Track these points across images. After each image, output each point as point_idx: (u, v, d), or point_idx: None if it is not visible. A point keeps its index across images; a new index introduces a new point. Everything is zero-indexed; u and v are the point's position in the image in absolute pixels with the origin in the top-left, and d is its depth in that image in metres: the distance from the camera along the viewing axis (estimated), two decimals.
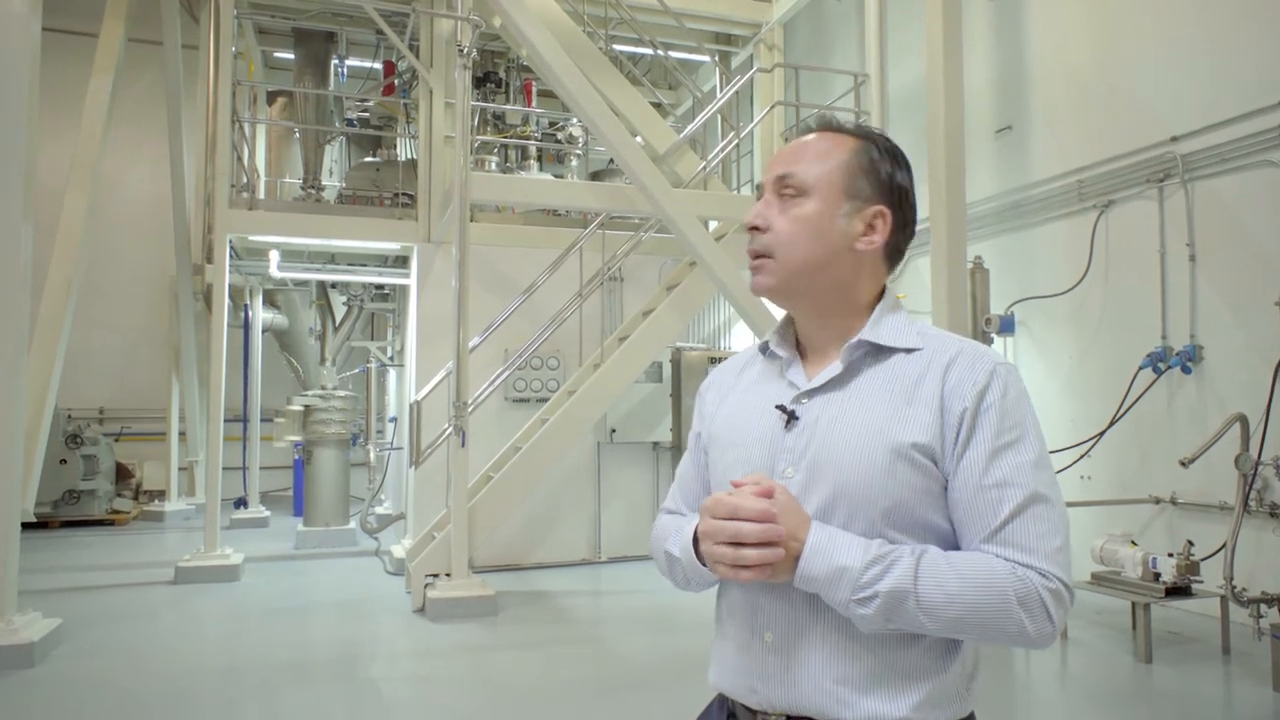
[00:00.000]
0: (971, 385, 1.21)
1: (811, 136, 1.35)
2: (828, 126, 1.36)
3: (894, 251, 1.34)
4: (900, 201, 1.33)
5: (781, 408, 1.30)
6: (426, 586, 6.21)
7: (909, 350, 1.28)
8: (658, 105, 9.32)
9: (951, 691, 1.23)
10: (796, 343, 1.39)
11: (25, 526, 5.34)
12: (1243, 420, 5.06)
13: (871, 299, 1.33)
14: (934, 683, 1.21)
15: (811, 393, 1.30)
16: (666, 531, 1.42)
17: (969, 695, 1.26)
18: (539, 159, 10.16)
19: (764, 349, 1.43)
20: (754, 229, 1.32)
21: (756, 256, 1.32)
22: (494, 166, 9.28)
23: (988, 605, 1.13)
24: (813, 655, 1.23)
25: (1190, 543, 5.10)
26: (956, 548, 1.21)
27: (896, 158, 1.34)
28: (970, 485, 1.19)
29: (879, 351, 1.29)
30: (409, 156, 9.80)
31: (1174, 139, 6.00)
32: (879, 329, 1.29)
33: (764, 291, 1.33)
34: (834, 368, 1.29)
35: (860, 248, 1.31)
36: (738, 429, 1.37)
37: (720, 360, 8.44)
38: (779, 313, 1.45)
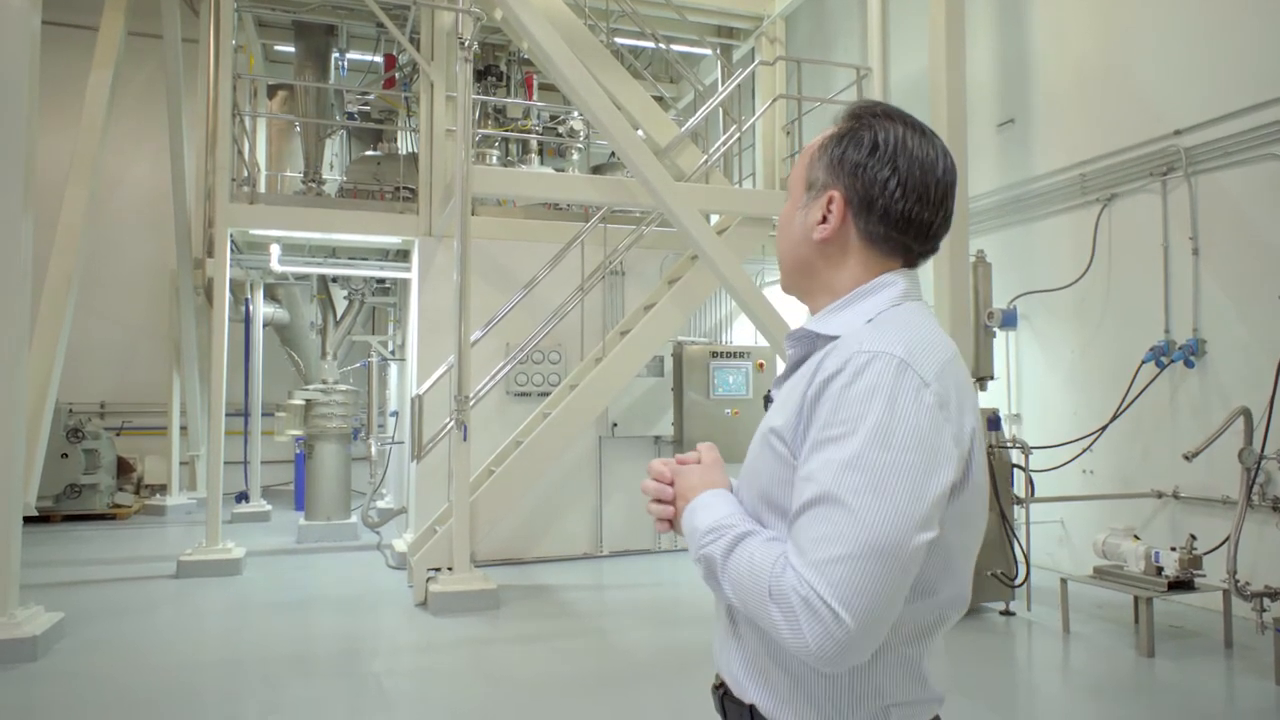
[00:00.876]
0: (822, 373, 1.15)
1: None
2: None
3: (875, 235, 1.26)
4: (854, 181, 1.24)
5: (766, 395, 1.40)
6: (428, 580, 6.21)
7: (832, 337, 1.23)
8: (659, 99, 9.29)
9: (835, 708, 1.18)
10: None
11: (26, 520, 5.35)
12: (1246, 414, 5.06)
13: (826, 286, 1.31)
14: (809, 689, 1.19)
15: (778, 381, 1.36)
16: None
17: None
18: (540, 153, 10.14)
19: None
20: None
21: None
22: (495, 160, 9.27)
23: (752, 593, 1.10)
24: (721, 629, 1.33)
25: (1193, 536, 5.09)
26: None
27: (855, 135, 1.26)
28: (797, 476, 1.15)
29: (828, 340, 1.24)
30: (410, 150, 9.78)
31: (1177, 132, 5.98)
32: (823, 316, 1.28)
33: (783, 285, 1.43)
34: (790, 356, 1.34)
35: (815, 237, 1.28)
36: None
37: (721, 354, 8.45)
38: (782, 307, 1.49)
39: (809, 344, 1.27)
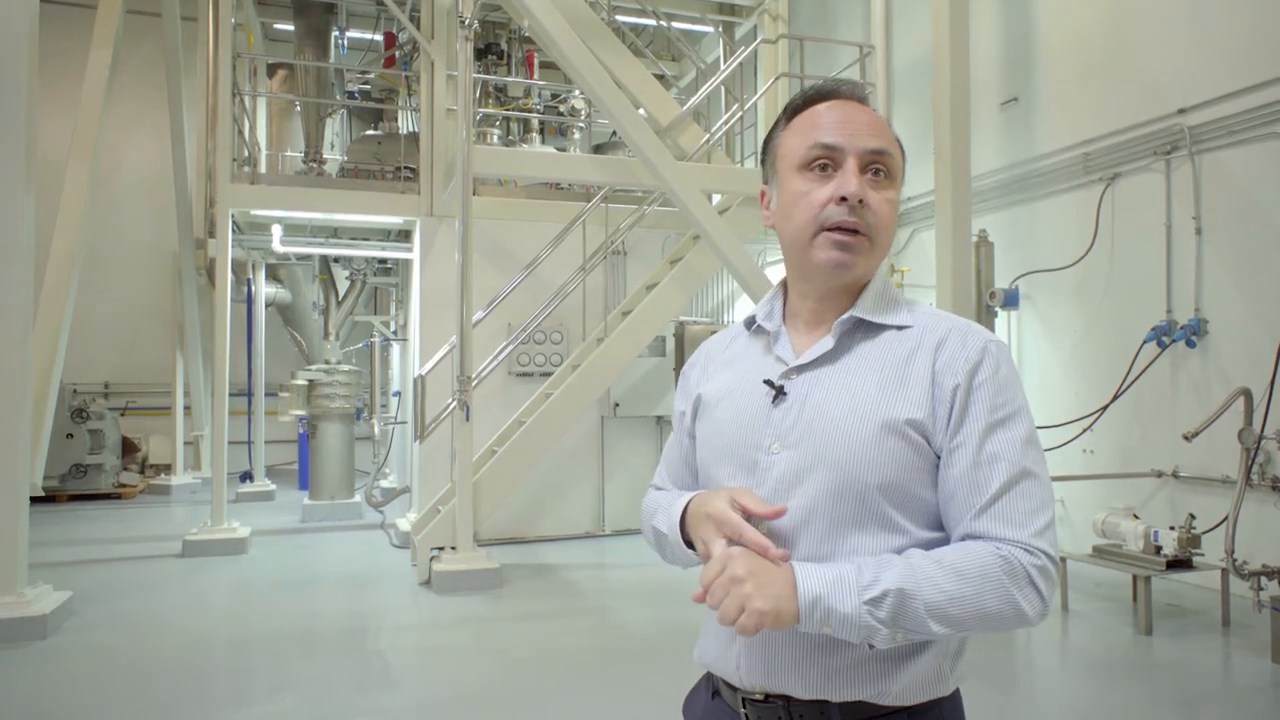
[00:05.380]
0: (964, 362, 1.20)
1: (869, 110, 1.30)
2: (865, 100, 1.32)
3: None
4: None
5: (769, 383, 1.28)
6: (432, 560, 6.26)
7: (900, 327, 1.27)
8: (660, 77, 9.24)
9: (932, 672, 1.22)
10: (783, 316, 1.37)
11: (33, 501, 5.38)
12: (1246, 394, 5.07)
13: (867, 277, 1.32)
14: (914, 665, 1.20)
15: (801, 368, 1.28)
16: (655, 507, 1.41)
17: (951, 675, 1.25)
18: (541, 131, 10.10)
19: (750, 324, 1.41)
20: (859, 202, 1.22)
21: (854, 233, 1.23)
22: (496, 139, 9.23)
23: (986, 596, 1.11)
24: (795, 636, 1.20)
25: (1192, 516, 5.12)
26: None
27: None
28: (964, 460, 1.18)
29: (870, 328, 1.28)
30: (411, 129, 9.75)
31: (1181, 111, 5.94)
32: (871, 306, 1.28)
33: (848, 269, 1.25)
34: (824, 344, 1.27)
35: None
36: (722, 406, 1.35)
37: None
38: None
39: (845, 328, 1.28)
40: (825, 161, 1.25)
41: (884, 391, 1.22)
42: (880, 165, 1.25)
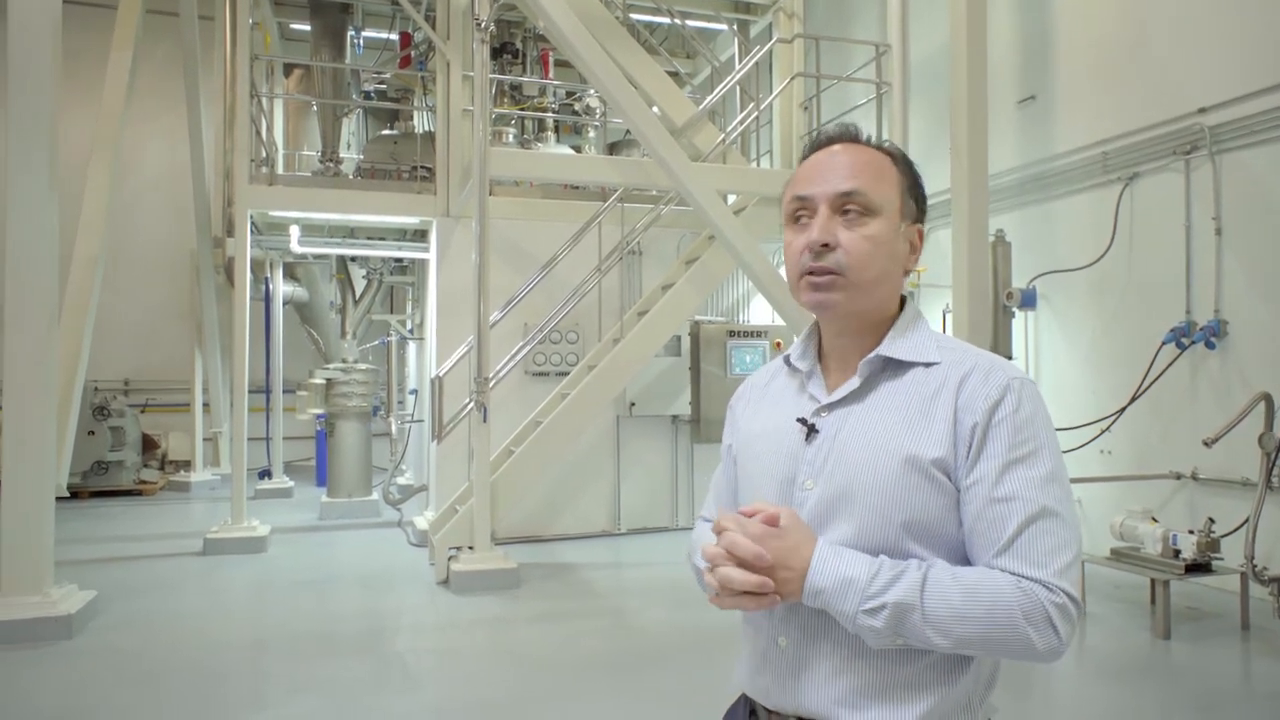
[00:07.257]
0: (984, 399, 1.22)
1: (853, 150, 1.34)
2: (857, 139, 1.36)
3: None
4: (921, 220, 1.39)
5: (802, 420, 1.33)
6: (450, 559, 6.31)
7: (927, 364, 1.30)
8: (674, 74, 9.22)
9: (960, 703, 1.25)
10: (819, 354, 1.42)
11: (57, 499, 5.44)
12: (1267, 399, 5.03)
13: (895, 312, 1.36)
14: (941, 695, 1.23)
15: (830, 406, 1.33)
16: (697, 542, 1.47)
17: (981, 707, 1.28)
18: (556, 130, 10.10)
19: (788, 361, 1.46)
20: (824, 245, 1.28)
21: (824, 273, 1.28)
22: (511, 138, 9.24)
23: (993, 621, 1.14)
24: (823, 662, 1.26)
25: (1211, 520, 5.09)
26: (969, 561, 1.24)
27: (917, 175, 1.39)
28: (980, 498, 1.20)
29: (897, 366, 1.31)
30: (426, 129, 9.77)
31: (1201, 110, 5.89)
32: (897, 343, 1.32)
33: (829, 308, 1.31)
34: (852, 382, 1.32)
35: (908, 267, 1.36)
36: (762, 441, 1.41)
37: (739, 333, 8.45)
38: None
39: (872, 366, 1.31)
40: (802, 213, 1.33)
41: (908, 429, 1.25)
42: (853, 205, 1.29)
